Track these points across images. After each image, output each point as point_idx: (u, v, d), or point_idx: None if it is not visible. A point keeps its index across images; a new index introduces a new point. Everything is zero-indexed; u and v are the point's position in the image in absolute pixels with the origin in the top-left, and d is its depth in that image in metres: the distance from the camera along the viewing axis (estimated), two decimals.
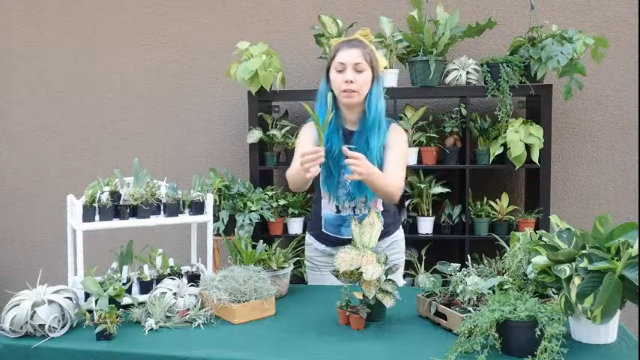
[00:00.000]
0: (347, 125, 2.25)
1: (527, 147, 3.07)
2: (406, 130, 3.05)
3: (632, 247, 1.54)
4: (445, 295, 1.86)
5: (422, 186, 3.22)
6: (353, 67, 2.13)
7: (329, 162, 2.19)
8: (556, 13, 3.37)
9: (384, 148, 2.20)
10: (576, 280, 1.54)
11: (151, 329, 1.82)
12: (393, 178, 2.15)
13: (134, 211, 2.06)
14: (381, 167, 2.16)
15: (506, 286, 1.76)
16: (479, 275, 1.86)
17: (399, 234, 2.41)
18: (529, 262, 1.72)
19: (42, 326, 1.76)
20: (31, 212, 3.92)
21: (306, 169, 1.93)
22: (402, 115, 3.25)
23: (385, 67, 2.27)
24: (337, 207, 2.27)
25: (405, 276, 3.20)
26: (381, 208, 2.29)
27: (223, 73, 3.49)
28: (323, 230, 2.33)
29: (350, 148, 2.00)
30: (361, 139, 2.18)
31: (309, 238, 2.44)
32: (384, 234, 2.28)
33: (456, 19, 3.11)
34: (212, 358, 1.63)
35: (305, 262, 2.49)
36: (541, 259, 1.66)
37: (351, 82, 2.12)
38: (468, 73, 3.15)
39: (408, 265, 3.24)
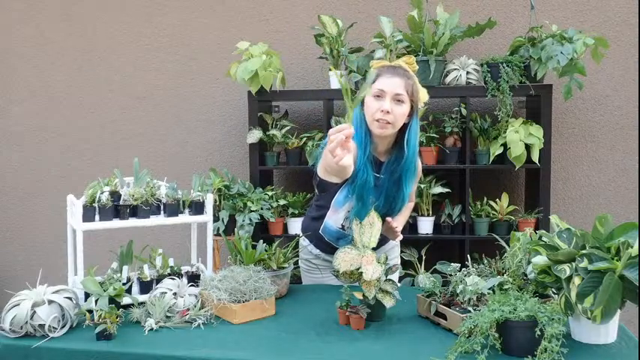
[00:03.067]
0: (376, 154, 2.10)
1: (527, 147, 3.07)
2: None
3: (632, 247, 1.54)
4: (445, 295, 1.86)
5: (422, 186, 3.21)
6: (392, 96, 1.96)
7: (361, 190, 2.03)
8: (556, 13, 3.37)
9: None
10: (576, 280, 1.54)
11: (151, 329, 1.82)
12: (412, 202, 2.32)
13: (134, 211, 2.06)
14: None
15: (506, 286, 1.76)
16: (479, 275, 1.86)
17: (394, 241, 2.32)
18: (529, 262, 1.72)
19: (42, 326, 1.76)
20: (31, 212, 3.92)
21: (332, 150, 1.58)
22: None
23: (425, 103, 2.10)
24: (343, 225, 2.17)
25: (405, 276, 3.21)
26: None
27: (223, 73, 3.49)
28: (320, 232, 2.23)
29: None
30: (388, 170, 2.08)
31: (303, 240, 2.34)
32: (380, 242, 2.11)
33: (456, 19, 3.11)
34: (212, 358, 1.63)
35: (300, 263, 2.40)
36: (541, 259, 1.66)
37: (388, 112, 1.96)
38: (468, 73, 3.15)
39: (409, 265, 3.25)
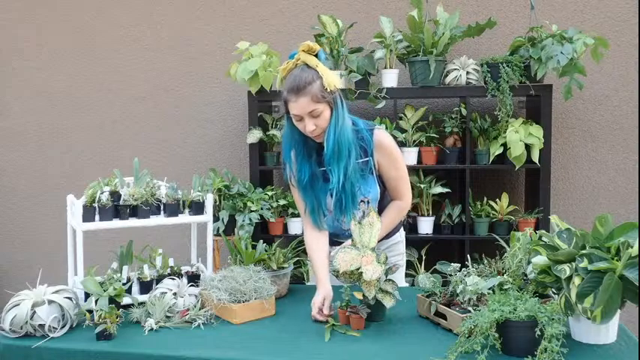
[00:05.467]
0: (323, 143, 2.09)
1: (527, 147, 3.07)
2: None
3: (632, 247, 1.54)
4: (445, 295, 1.86)
5: (422, 186, 3.22)
6: (308, 114, 1.95)
7: (312, 190, 2.10)
8: (556, 13, 3.37)
9: (376, 161, 2.12)
10: (576, 280, 1.54)
11: (151, 329, 1.82)
12: (402, 201, 2.17)
13: (134, 211, 2.06)
14: (371, 183, 2.12)
15: (506, 286, 1.76)
16: (479, 275, 1.86)
17: (399, 236, 2.36)
18: (529, 262, 1.73)
19: (42, 326, 1.76)
20: (31, 212, 3.92)
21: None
22: (402, 115, 3.25)
23: (337, 87, 2.00)
24: (338, 219, 2.17)
25: (405, 276, 3.21)
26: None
27: (223, 73, 3.49)
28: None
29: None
30: (332, 160, 2.04)
31: None
32: (384, 237, 2.24)
33: (456, 19, 3.11)
34: (212, 358, 1.63)
35: (308, 260, 2.45)
36: (541, 259, 1.66)
37: (313, 129, 1.97)
38: (468, 73, 3.15)
39: (408, 265, 3.24)
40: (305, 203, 2.13)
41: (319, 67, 1.96)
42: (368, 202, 2.11)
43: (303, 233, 2.21)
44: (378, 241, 2.09)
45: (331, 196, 2.09)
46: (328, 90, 1.95)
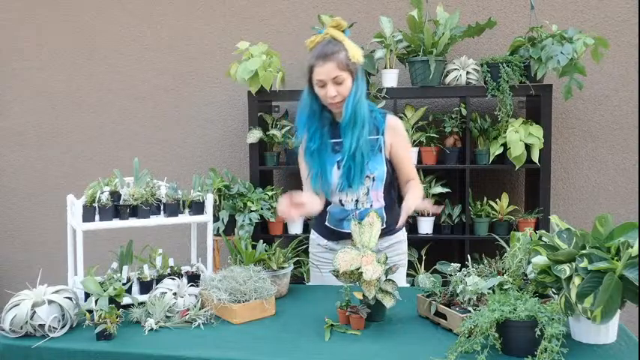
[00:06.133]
0: (338, 119, 2.24)
1: (527, 147, 3.07)
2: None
3: (632, 247, 1.54)
4: (445, 295, 1.86)
5: (422, 186, 3.21)
6: (331, 80, 2.12)
7: (319, 157, 2.22)
8: (556, 13, 3.37)
9: (387, 143, 2.23)
10: (576, 280, 1.54)
11: (151, 329, 1.82)
12: (416, 179, 2.32)
13: (134, 211, 2.06)
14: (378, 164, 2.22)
15: (506, 286, 1.76)
16: (479, 275, 1.86)
17: (401, 235, 2.38)
18: (529, 262, 1.72)
19: (42, 326, 1.76)
20: (31, 212, 3.92)
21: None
22: (402, 115, 3.25)
23: (360, 61, 2.18)
24: (340, 201, 2.26)
25: (406, 276, 3.21)
26: (383, 203, 2.28)
27: (223, 73, 3.49)
28: (326, 224, 2.32)
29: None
30: (346, 133, 2.18)
31: (312, 234, 2.44)
32: (387, 232, 2.27)
33: (456, 19, 3.11)
34: (212, 358, 1.63)
35: (309, 260, 2.49)
36: (541, 259, 1.66)
37: (335, 95, 2.13)
38: (468, 73, 3.15)
39: (409, 265, 3.24)
40: (310, 168, 2.25)
41: (345, 41, 2.15)
42: (373, 180, 2.22)
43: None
44: (383, 236, 2.18)
45: (338, 167, 2.21)
46: (352, 61, 2.12)
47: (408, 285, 2.55)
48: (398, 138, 2.26)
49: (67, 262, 2.15)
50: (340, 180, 2.21)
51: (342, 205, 2.26)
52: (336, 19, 2.20)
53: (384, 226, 2.22)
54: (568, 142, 3.43)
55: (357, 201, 2.25)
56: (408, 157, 2.32)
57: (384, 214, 2.26)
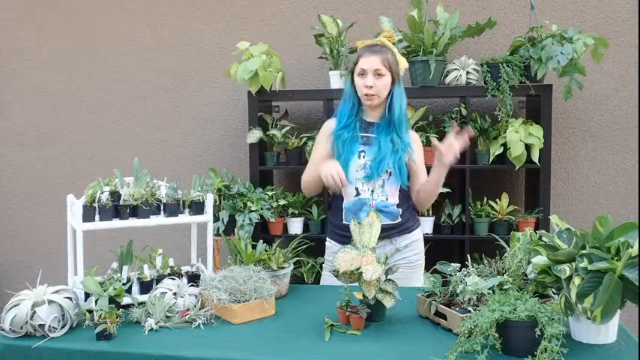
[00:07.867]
0: (368, 118, 2.39)
1: (527, 147, 3.07)
2: None
3: (632, 247, 1.54)
4: (445, 295, 1.86)
5: None
6: (373, 72, 2.27)
7: (348, 145, 2.34)
8: (556, 13, 3.37)
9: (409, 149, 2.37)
10: (576, 280, 1.54)
11: (151, 329, 1.82)
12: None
13: (134, 211, 2.06)
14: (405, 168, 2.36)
15: (506, 286, 1.76)
16: (479, 275, 1.86)
17: (418, 234, 2.45)
18: (529, 262, 1.72)
19: (42, 326, 1.76)
20: (31, 212, 3.92)
21: (328, 185, 2.22)
22: None
23: (404, 66, 2.44)
24: (357, 189, 2.33)
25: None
26: (397, 200, 2.34)
27: (223, 73, 3.49)
28: (344, 222, 2.36)
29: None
30: (380, 131, 2.34)
31: (328, 242, 2.49)
32: (405, 230, 2.36)
33: (456, 19, 3.11)
34: (212, 358, 1.63)
35: (323, 265, 2.54)
36: (541, 259, 1.66)
37: (371, 87, 2.28)
38: (468, 73, 3.15)
39: None
40: (338, 155, 2.34)
41: (394, 49, 2.38)
42: (390, 174, 2.32)
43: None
44: (401, 234, 2.34)
45: (359, 157, 2.32)
46: (397, 65, 2.33)
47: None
48: (418, 150, 2.42)
49: (67, 262, 2.15)
50: (361, 169, 2.31)
51: (359, 194, 2.32)
52: (389, 31, 2.46)
53: (400, 219, 2.33)
54: (568, 142, 3.43)
55: (372, 191, 2.32)
56: (423, 168, 2.45)
57: (399, 211, 2.33)
